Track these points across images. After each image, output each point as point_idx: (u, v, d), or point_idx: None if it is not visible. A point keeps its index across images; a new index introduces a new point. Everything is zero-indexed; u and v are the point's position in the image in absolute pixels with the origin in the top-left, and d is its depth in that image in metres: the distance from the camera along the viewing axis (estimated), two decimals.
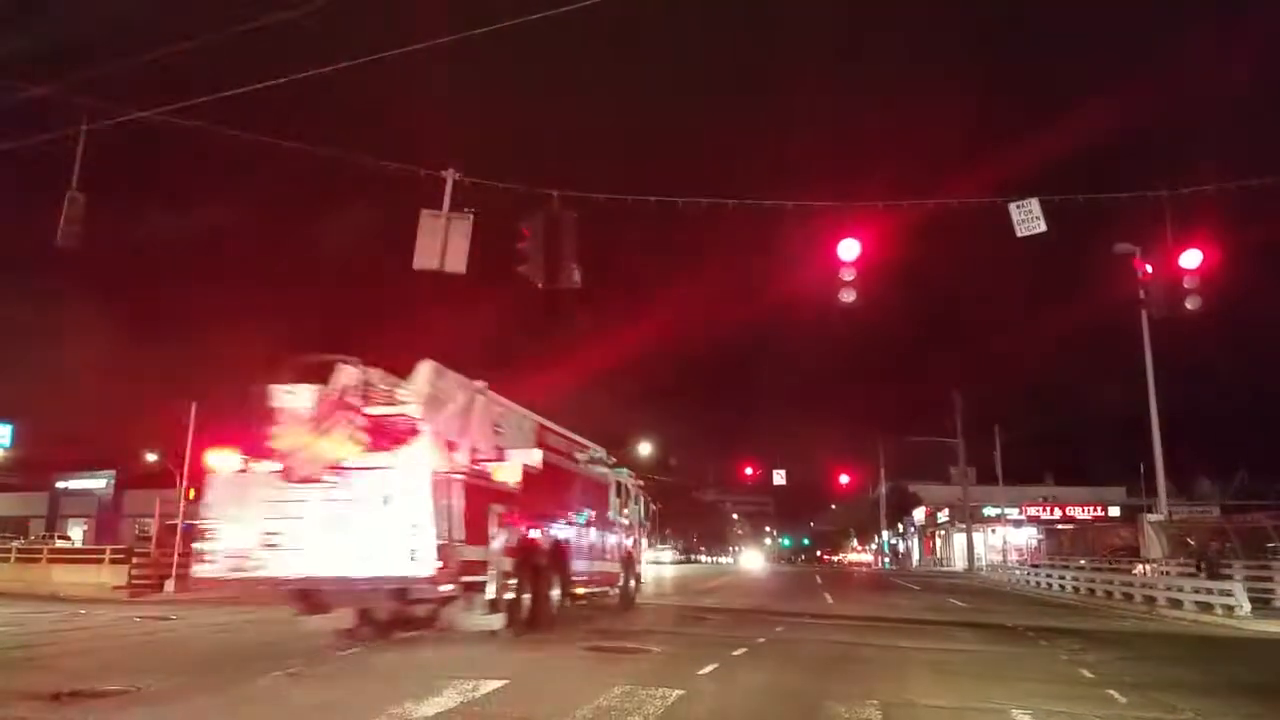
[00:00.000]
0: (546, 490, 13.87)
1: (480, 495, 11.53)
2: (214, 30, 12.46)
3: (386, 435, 10.97)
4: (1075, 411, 69.52)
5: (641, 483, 22.90)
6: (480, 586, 11.43)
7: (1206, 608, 20.05)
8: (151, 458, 48.99)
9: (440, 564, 10.39)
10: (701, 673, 9.83)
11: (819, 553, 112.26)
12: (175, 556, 23.65)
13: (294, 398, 11.36)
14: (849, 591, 30.07)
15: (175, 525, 25.75)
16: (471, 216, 12.04)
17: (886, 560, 78.91)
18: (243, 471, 11.01)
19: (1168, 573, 24.59)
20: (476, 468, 11.83)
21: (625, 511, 19.74)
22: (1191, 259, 13.43)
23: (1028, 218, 12.55)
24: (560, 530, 14.93)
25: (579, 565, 15.78)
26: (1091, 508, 59.26)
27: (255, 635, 13.83)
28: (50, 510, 66.05)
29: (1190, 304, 13.45)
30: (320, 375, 11.44)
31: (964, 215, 13.75)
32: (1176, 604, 21.36)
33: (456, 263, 11.99)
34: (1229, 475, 58.57)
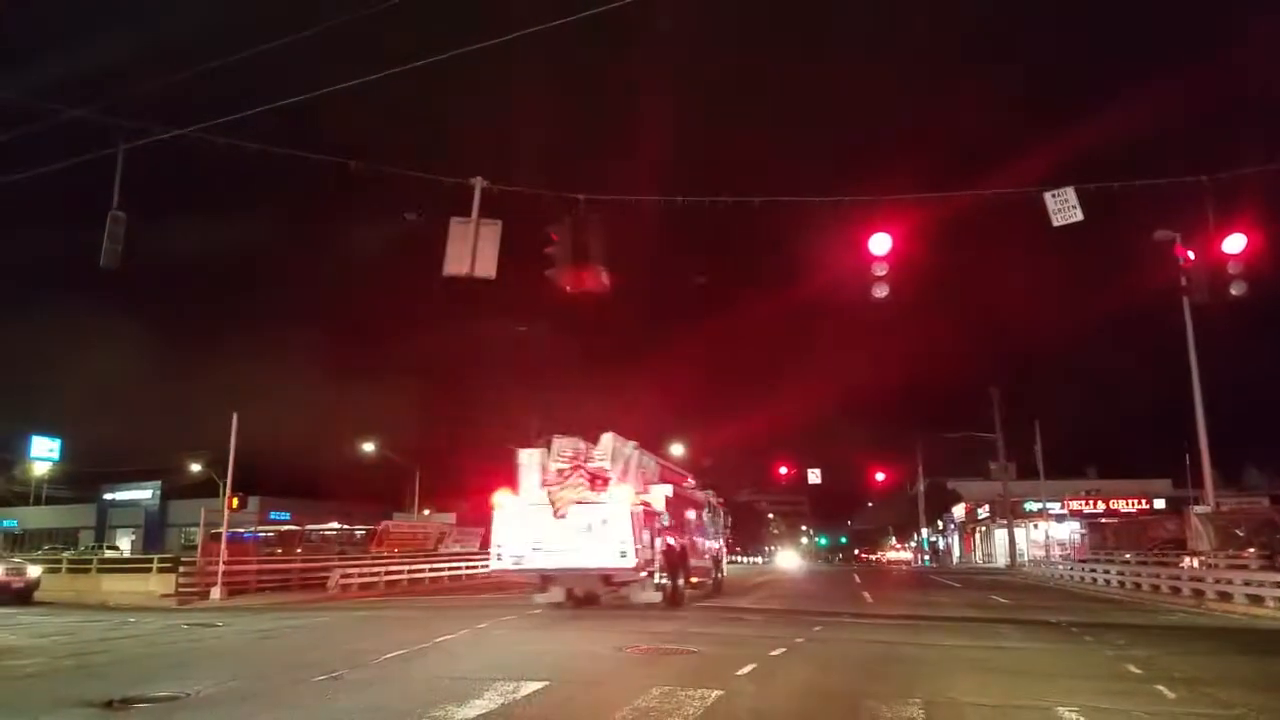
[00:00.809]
0: (673, 511, 20.42)
1: (647, 517, 18.37)
2: (242, 49, 12.66)
3: (596, 483, 18.22)
4: (1118, 403, 68.25)
5: (721, 500, 28.39)
6: (652, 574, 18.28)
7: (1258, 600, 19.59)
8: (196, 468, 49.89)
9: (637, 560, 17.43)
10: (740, 673, 9.80)
11: (856, 551, 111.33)
12: (221, 564, 24.01)
13: (530, 458, 18.90)
14: (888, 590, 29.81)
15: (220, 533, 26.16)
16: (499, 222, 12.12)
17: (926, 558, 78.07)
18: (508, 506, 18.57)
19: (1216, 565, 24.07)
20: (642, 498, 18.63)
21: (713, 523, 25.90)
22: (1235, 244, 13.13)
23: (1064, 207, 12.34)
24: (683, 538, 21.17)
25: (693, 562, 21.97)
26: (1136, 501, 58.22)
27: (300, 641, 14.03)
28: (99, 521, 67.62)
29: (1235, 289, 13.15)
30: (545, 443, 19.23)
31: (998, 206, 13.56)
32: (1226, 597, 20.90)
33: (486, 268, 12.07)
34: (1278, 464, 57.24)
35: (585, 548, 17.50)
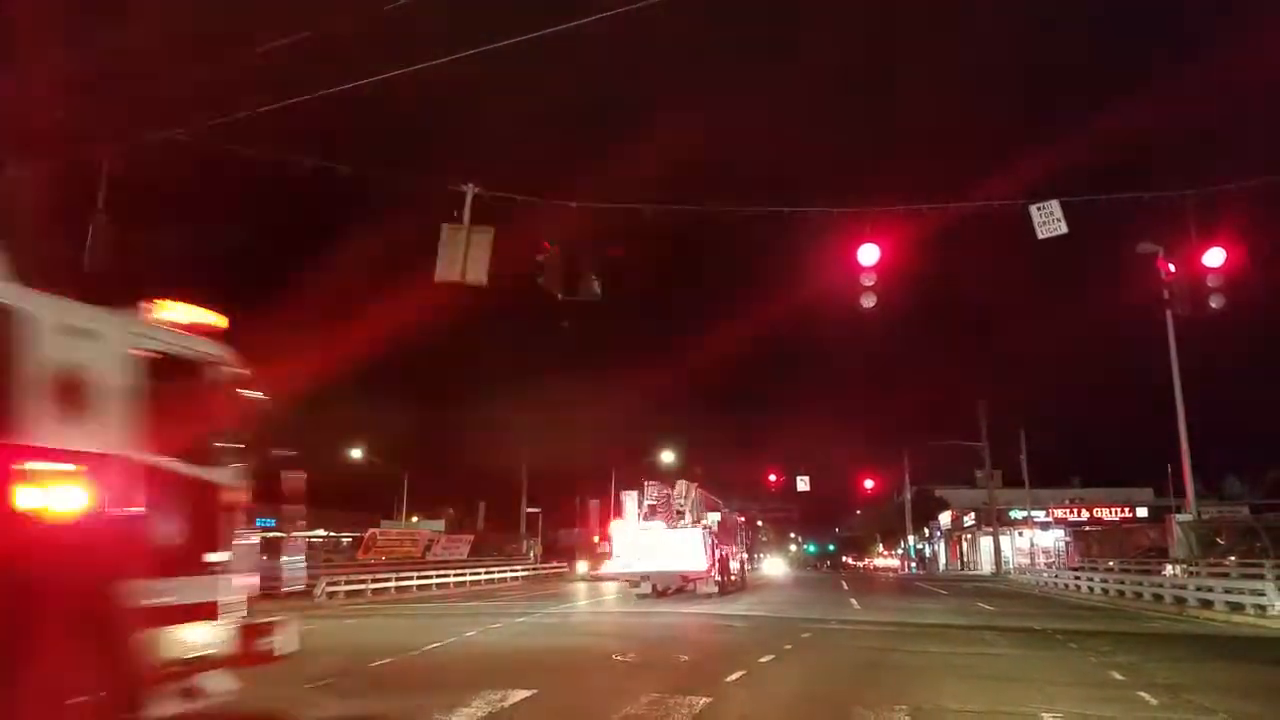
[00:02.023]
0: (721, 531, 29.37)
1: (710, 535, 26.99)
2: (233, 50, 12.65)
3: (676, 514, 27.05)
4: (1102, 413, 68.76)
5: (743, 517, 37.23)
6: (713, 574, 26.70)
7: (1238, 608, 19.79)
8: None
9: (707, 566, 26.00)
10: (729, 680, 9.85)
11: (844, 558, 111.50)
12: None
13: (630, 498, 28.07)
14: (875, 597, 29.91)
15: None
16: (492, 229, 12.16)
17: (913, 565, 78.31)
18: (620, 530, 27.59)
19: (1197, 573, 24.29)
20: (704, 523, 27.37)
21: (741, 537, 35.25)
22: (1215, 258, 13.31)
23: (1049, 219, 12.49)
24: (724, 549, 29.41)
25: (732, 565, 30.93)
26: (1119, 509, 58.59)
27: None
28: None
29: (1215, 302, 13.32)
30: (639, 487, 28.19)
31: (985, 218, 13.70)
32: (1207, 604, 21.09)
33: (477, 274, 12.10)
34: (1259, 473, 57.71)
35: (673, 557, 26.02)
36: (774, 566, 78.36)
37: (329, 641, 14.98)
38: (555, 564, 51.67)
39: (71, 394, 5.40)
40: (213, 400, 6.61)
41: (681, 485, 28.23)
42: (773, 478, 60.25)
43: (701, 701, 8.35)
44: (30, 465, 5.05)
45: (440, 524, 56.20)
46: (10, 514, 4.88)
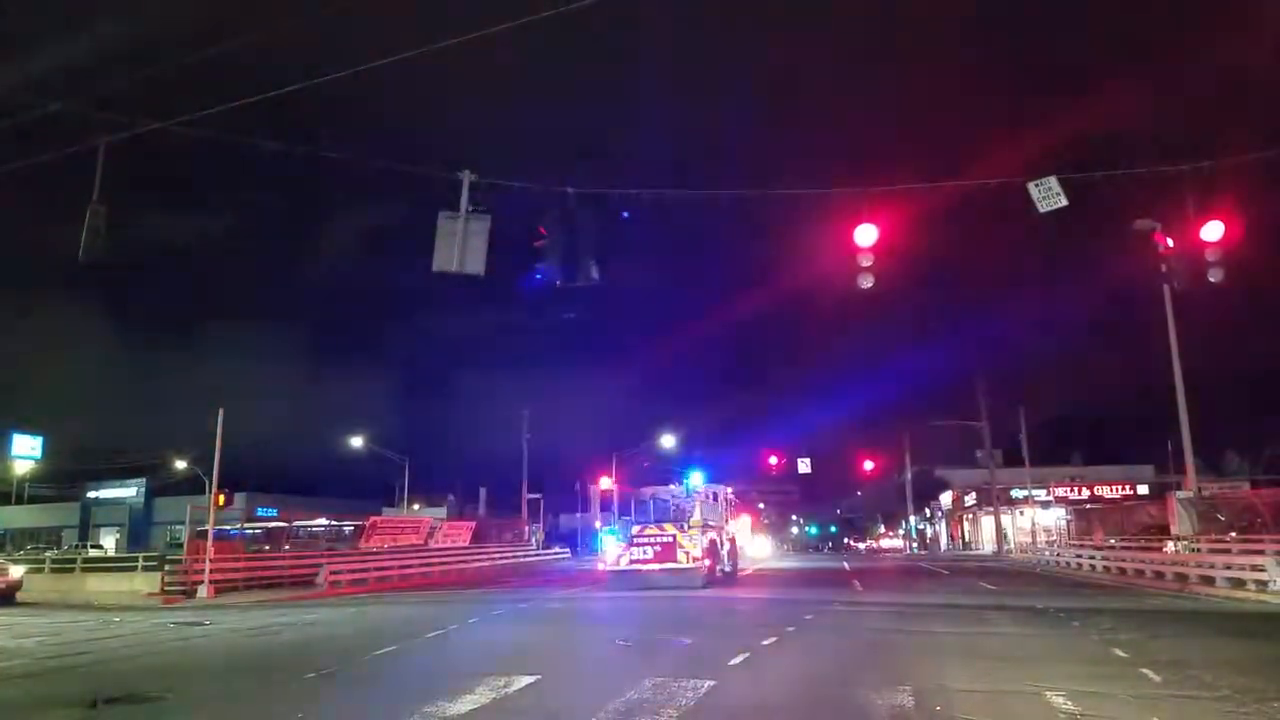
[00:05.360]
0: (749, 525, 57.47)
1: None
2: (228, 39, 12.54)
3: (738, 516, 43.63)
4: (1101, 390, 68.79)
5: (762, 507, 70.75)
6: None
7: (1239, 584, 19.82)
8: (181, 465, 49.57)
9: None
10: (732, 663, 9.85)
11: (845, 539, 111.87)
12: (207, 562, 23.87)
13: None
14: (876, 578, 29.99)
15: (206, 531, 25.99)
16: (489, 217, 12.05)
17: (914, 545, 78.54)
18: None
19: (1198, 549, 24.32)
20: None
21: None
22: (1213, 231, 13.23)
23: (1048, 194, 12.40)
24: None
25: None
26: (1120, 486, 58.66)
27: (290, 638, 13.98)
28: (82, 520, 67.07)
29: (1213, 276, 13.25)
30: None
31: (982, 196, 13.60)
32: (1208, 581, 21.12)
33: (475, 264, 12.01)
34: (1258, 449, 57.76)
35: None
36: (760, 548, 77.59)
37: (333, 630, 15.01)
38: (558, 550, 51.89)
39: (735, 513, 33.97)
40: (727, 505, 31.55)
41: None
42: (773, 460, 60.26)
43: (706, 684, 8.35)
44: (726, 533, 29.56)
45: (442, 511, 56.36)
46: (732, 538, 31.21)
